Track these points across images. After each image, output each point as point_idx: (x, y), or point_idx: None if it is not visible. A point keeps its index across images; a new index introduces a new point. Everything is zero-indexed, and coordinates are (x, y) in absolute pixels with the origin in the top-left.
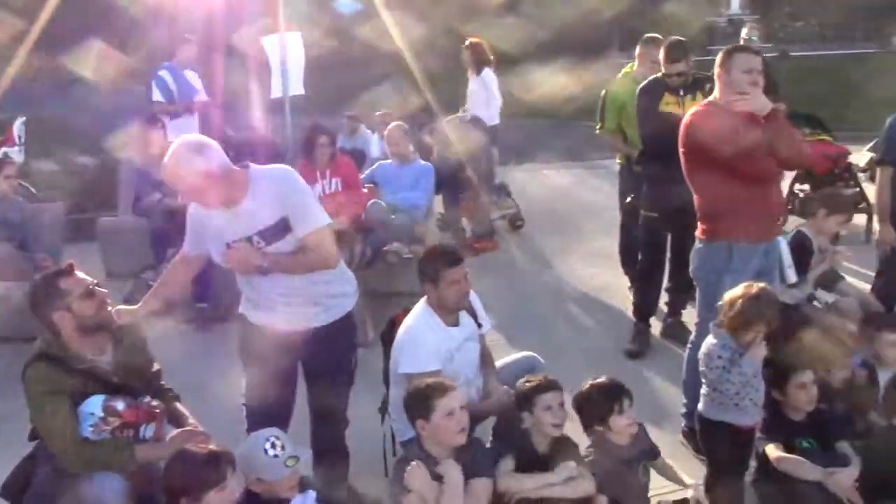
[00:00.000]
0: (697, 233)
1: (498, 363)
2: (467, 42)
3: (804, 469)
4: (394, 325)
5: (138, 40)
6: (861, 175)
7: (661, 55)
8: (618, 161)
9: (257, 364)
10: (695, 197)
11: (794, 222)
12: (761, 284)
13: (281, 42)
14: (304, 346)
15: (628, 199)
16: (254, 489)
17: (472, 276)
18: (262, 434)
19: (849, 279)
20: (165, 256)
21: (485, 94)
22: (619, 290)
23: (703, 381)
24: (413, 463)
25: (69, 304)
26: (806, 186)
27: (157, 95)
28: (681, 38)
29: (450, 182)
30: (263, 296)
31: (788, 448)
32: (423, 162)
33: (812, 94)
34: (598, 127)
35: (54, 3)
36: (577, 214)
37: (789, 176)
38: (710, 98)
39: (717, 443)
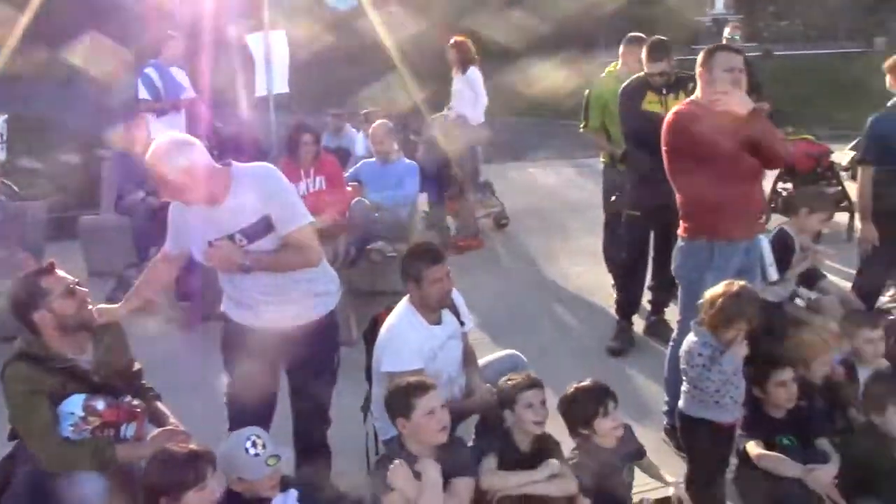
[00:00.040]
0: (679, 231)
1: (481, 361)
2: (452, 41)
3: (784, 466)
4: (377, 323)
5: (126, 38)
6: (843, 174)
7: (644, 54)
8: (602, 160)
9: (239, 362)
10: (677, 195)
11: (776, 220)
12: (742, 282)
13: (265, 40)
14: (286, 345)
15: (612, 198)
16: (235, 489)
17: (455, 275)
18: (243, 433)
19: (830, 277)
20: (148, 255)
21: (470, 93)
22: (603, 289)
23: (684, 378)
24: (395, 461)
25: (50, 303)
26: (789, 185)
27: (143, 93)
28: (663, 38)
29: (435, 180)
30: (246, 294)
31: (769, 445)
32: (407, 160)
33: (796, 93)
34: (581, 125)
35: (38, 1)
36: (561, 213)
37: (772, 174)
38: (693, 97)
39: (698, 440)
